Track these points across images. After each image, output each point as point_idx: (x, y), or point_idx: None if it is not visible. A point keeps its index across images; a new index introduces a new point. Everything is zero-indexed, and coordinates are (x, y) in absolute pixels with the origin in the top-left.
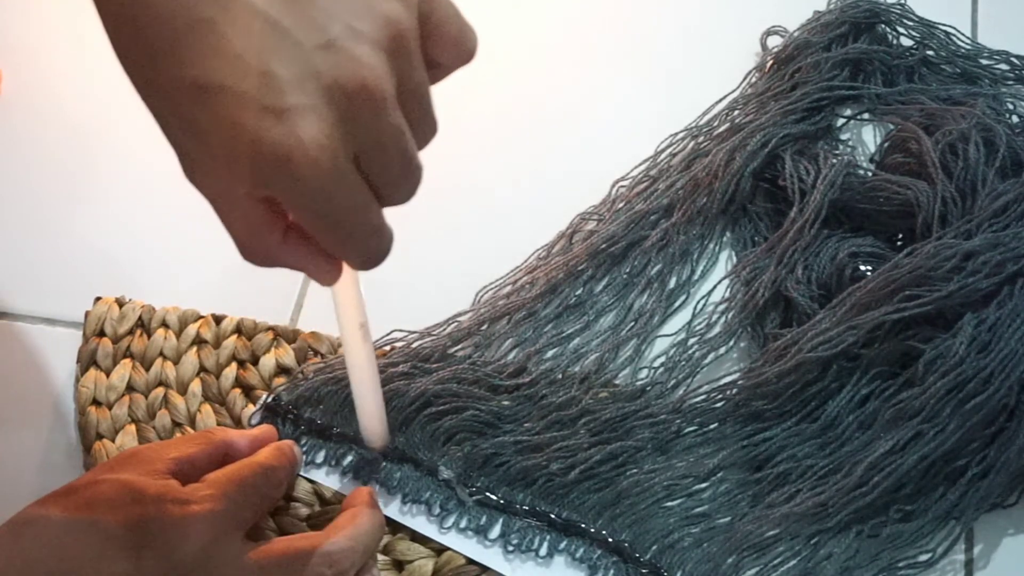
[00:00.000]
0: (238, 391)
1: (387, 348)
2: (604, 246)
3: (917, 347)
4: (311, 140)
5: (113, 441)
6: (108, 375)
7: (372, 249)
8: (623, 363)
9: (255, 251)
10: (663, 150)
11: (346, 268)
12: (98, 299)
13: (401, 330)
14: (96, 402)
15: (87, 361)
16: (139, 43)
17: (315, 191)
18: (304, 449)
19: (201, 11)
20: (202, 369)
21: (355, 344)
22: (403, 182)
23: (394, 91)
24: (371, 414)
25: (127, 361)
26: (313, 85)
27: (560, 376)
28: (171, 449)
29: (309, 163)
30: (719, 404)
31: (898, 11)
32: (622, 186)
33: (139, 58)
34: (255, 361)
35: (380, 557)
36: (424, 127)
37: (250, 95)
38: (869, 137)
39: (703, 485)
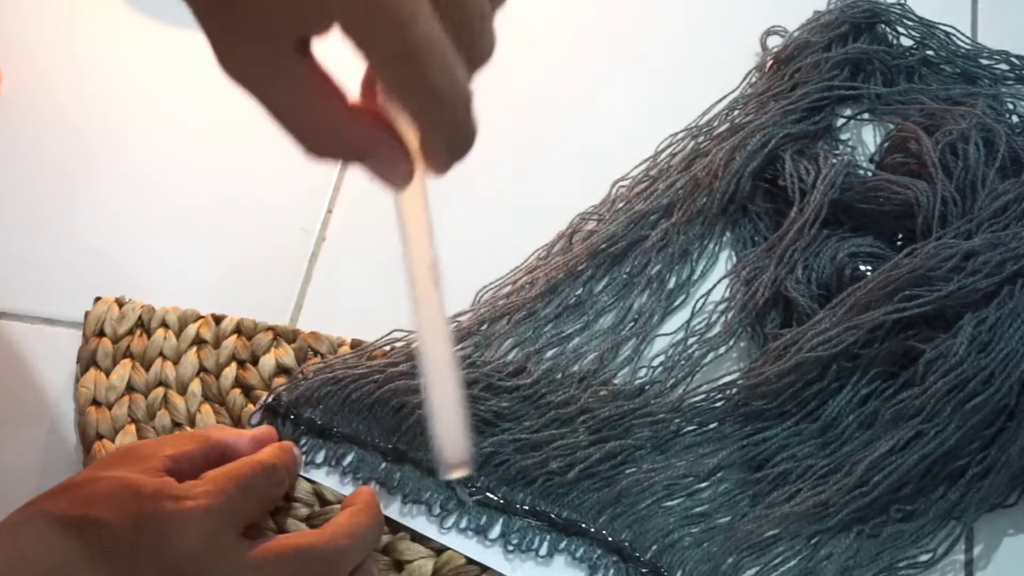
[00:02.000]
0: (238, 391)
1: (387, 348)
2: (604, 246)
3: (917, 347)
4: None
5: (113, 441)
6: (108, 375)
7: (460, 117)
8: (622, 363)
9: (318, 132)
10: (663, 150)
11: (415, 184)
12: (98, 299)
13: (401, 330)
14: (96, 402)
15: (87, 361)
16: None
17: (389, 13)
18: (304, 449)
19: None
20: (202, 369)
21: (426, 290)
22: (481, 34)
23: None
24: (450, 415)
25: (127, 361)
26: None
27: (560, 376)
28: (167, 446)
29: None
30: (719, 404)
31: (898, 11)
32: (622, 186)
33: None
34: (255, 361)
35: (380, 557)
36: None
37: None
38: (869, 137)
39: (703, 485)
